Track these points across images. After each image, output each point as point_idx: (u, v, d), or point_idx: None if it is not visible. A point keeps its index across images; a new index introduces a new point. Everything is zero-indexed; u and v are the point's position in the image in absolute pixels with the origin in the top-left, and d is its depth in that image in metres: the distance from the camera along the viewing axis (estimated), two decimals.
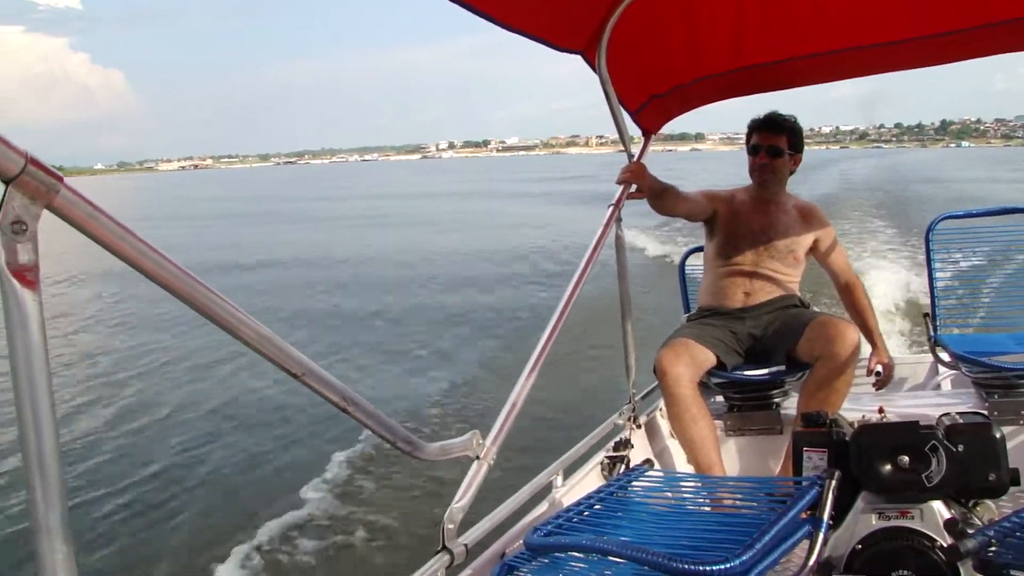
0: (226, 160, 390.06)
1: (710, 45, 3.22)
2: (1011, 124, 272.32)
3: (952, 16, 2.90)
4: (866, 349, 3.47)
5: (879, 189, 33.88)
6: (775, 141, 3.41)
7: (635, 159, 3.25)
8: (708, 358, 3.15)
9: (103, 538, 5.48)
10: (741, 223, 3.47)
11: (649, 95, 3.42)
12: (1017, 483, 1.95)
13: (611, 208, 3.00)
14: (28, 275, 0.84)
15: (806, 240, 3.49)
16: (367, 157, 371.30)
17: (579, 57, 2.94)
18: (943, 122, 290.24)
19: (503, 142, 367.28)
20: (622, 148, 3.31)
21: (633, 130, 3.40)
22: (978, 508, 2.00)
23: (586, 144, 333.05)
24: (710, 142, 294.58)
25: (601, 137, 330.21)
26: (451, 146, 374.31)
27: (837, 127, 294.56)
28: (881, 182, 38.75)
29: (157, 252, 1.00)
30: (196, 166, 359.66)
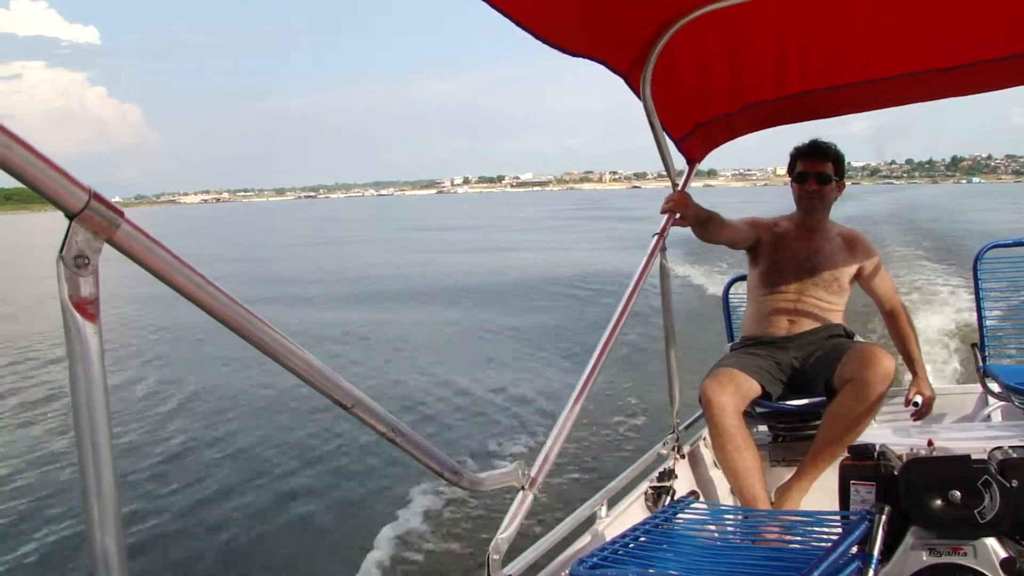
0: (242, 193, 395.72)
1: (755, 73, 3.22)
2: (1022, 160, 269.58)
3: (994, 45, 2.91)
4: (907, 378, 3.44)
5: (909, 220, 33.53)
6: (822, 168, 3.40)
7: (679, 188, 3.27)
8: (753, 387, 3.13)
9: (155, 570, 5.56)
10: (785, 251, 3.45)
11: (695, 123, 3.41)
12: None
13: (656, 237, 3.00)
14: (89, 308, 0.85)
15: (851, 268, 3.46)
16: (383, 192, 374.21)
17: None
18: (954, 158, 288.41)
19: (517, 177, 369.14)
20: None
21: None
22: None
23: (600, 180, 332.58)
24: (722, 178, 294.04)
25: (615, 173, 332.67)
26: (466, 181, 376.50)
27: (849, 163, 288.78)
28: (915, 215, 38.25)
29: (212, 284, 1.02)
30: (218, 199, 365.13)
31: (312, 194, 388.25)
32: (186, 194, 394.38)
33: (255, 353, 1.13)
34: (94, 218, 0.86)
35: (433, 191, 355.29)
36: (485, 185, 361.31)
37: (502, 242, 36.28)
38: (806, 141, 3.46)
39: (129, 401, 9.56)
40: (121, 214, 0.89)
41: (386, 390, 9.52)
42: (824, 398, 3.20)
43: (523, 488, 1.92)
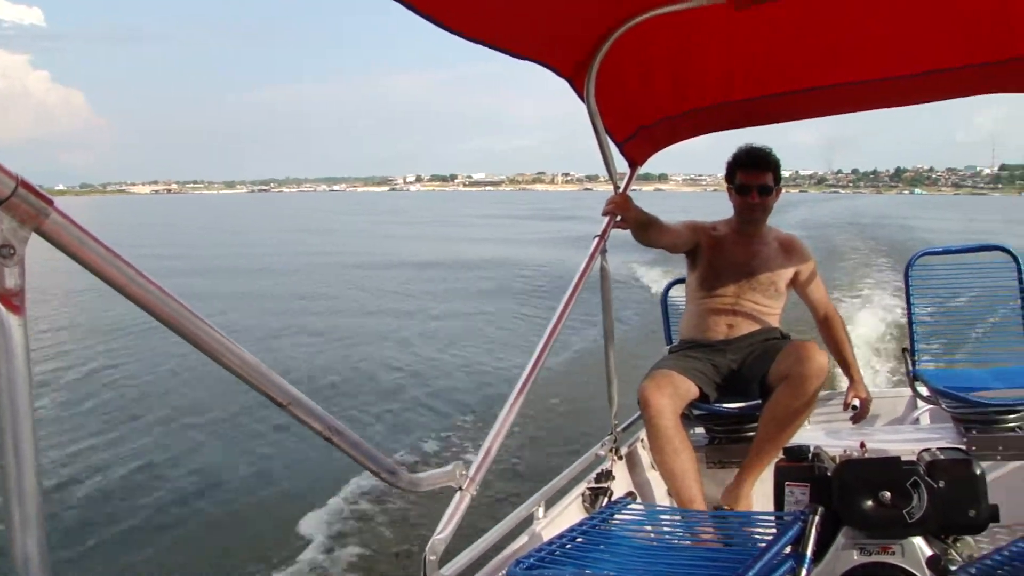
0: (191, 185, 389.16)
1: (700, 78, 3.24)
2: (961, 174, 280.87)
3: (935, 56, 3.01)
4: (843, 383, 3.50)
5: (853, 225, 34.39)
6: (763, 179, 3.43)
7: (620, 191, 3.27)
8: (691, 390, 3.15)
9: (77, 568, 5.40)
10: (724, 255, 3.48)
11: (637, 126, 3.42)
12: (996, 519, 1.96)
13: (597, 239, 3.00)
14: (14, 300, 0.82)
15: (787, 272, 3.51)
16: (335, 188, 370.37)
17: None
18: (898, 169, 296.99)
19: (470, 176, 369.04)
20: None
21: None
22: (958, 544, 2.00)
23: (552, 181, 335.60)
24: (673, 183, 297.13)
25: (567, 174, 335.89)
26: (418, 179, 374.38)
27: (796, 171, 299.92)
28: (854, 224, 39.29)
29: (145, 277, 0.99)
30: (169, 190, 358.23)
31: (265, 188, 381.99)
32: (134, 184, 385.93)
33: (189, 348, 1.10)
34: (21, 206, 0.82)
35: (385, 188, 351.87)
36: (438, 183, 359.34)
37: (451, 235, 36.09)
38: (743, 146, 3.48)
39: (55, 398, 9.28)
40: (50, 202, 0.85)
41: (323, 389, 9.40)
42: (759, 399, 3.25)
43: (461, 488, 1.90)
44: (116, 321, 13.25)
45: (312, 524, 5.78)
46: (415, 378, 10.15)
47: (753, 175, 3.43)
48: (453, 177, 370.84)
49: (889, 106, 3.52)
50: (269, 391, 1.21)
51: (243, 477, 6.94)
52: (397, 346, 12.26)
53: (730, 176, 3.51)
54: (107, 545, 5.70)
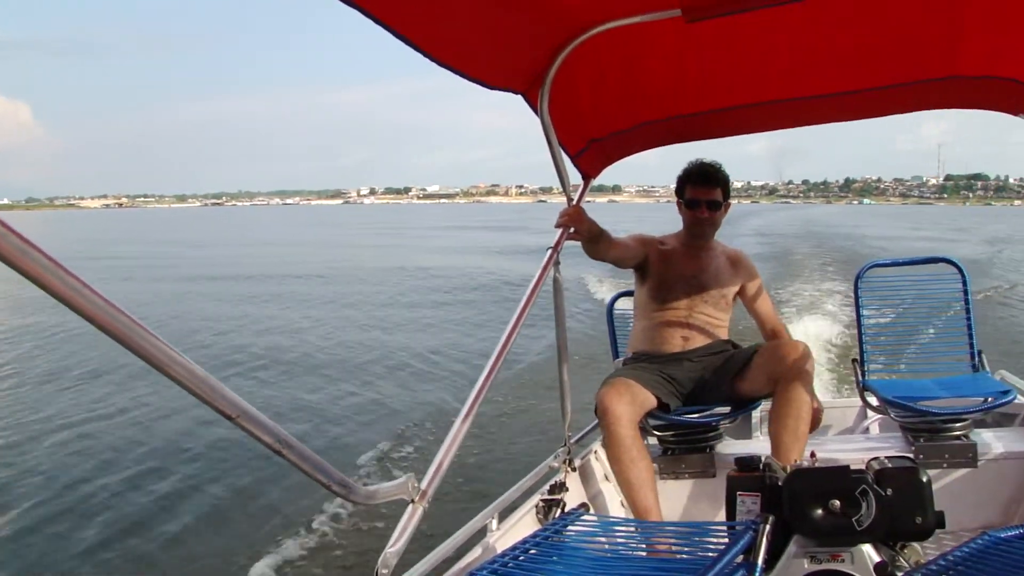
0: (142, 199, 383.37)
1: (651, 92, 3.28)
2: (908, 184, 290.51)
3: (881, 73, 3.12)
4: None
5: (806, 238, 34.93)
6: (712, 195, 3.48)
7: (574, 203, 3.28)
8: (648, 399, 3.17)
9: None
10: (673, 269, 3.52)
11: (589, 139, 3.45)
12: (942, 525, 1.99)
13: (550, 251, 3.00)
14: None
15: (735, 286, 3.59)
16: (288, 201, 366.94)
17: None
18: (847, 180, 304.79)
19: (424, 189, 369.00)
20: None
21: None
22: (906, 551, 2.03)
23: (506, 193, 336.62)
24: (627, 194, 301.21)
25: (521, 187, 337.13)
26: (372, 192, 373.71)
27: (748, 182, 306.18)
28: (807, 233, 39.92)
29: (89, 288, 0.97)
30: (120, 204, 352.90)
31: (218, 201, 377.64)
32: (82, 198, 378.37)
33: (133, 359, 1.08)
34: None
35: (339, 201, 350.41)
36: (392, 196, 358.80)
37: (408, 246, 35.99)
38: (694, 161, 3.53)
39: None
40: None
41: (273, 401, 9.27)
42: (728, 407, 3.33)
43: (413, 501, 1.88)
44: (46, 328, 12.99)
45: (260, 539, 5.68)
46: (367, 388, 10.06)
47: (702, 190, 3.48)
48: (407, 190, 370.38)
49: (837, 121, 3.60)
50: (217, 403, 1.19)
51: (183, 491, 6.78)
52: (347, 356, 12.16)
53: (680, 191, 3.56)
54: (42, 562, 5.54)
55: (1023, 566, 1.57)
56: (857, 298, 3.99)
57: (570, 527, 2.20)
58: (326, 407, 9.18)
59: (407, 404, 9.21)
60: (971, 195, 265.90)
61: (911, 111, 3.51)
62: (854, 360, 3.91)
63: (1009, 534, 1.68)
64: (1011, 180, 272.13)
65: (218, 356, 11.88)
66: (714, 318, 3.51)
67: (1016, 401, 3.41)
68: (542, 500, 2.86)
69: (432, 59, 2.21)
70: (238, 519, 6.07)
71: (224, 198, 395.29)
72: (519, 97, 2.90)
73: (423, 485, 1.92)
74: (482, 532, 2.48)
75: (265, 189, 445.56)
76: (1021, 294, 16.90)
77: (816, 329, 11.01)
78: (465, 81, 2.48)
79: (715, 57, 3.04)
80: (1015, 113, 3.18)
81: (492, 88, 2.68)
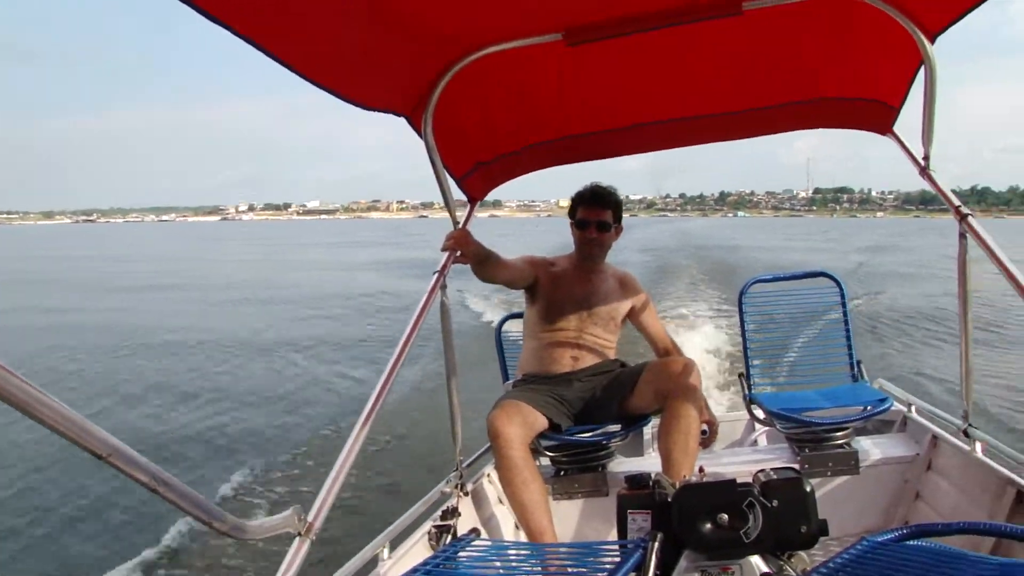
0: (4, 216, 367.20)
1: (536, 115, 3.31)
2: (780, 197, 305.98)
3: (754, 96, 3.25)
4: None
5: (688, 251, 35.84)
6: (602, 216, 3.53)
7: (460, 225, 3.25)
8: (539, 420, 3.17)
9: None
10: (564, 290, 3.54)
11: (475, 162, 3.44)
12: (826, 533, 2.03)
13: (436, 275, 2.96)
14: None
15: (624, 306, 3.63)
16: (164, 218, 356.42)
17: (384, 120, 2.91)
18: (722, 193, 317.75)
19: (304, 205, 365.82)
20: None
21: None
22: (792, 560, 2.06)
23: (387, 209, 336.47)
24: (507, 209, 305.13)
25: (402, 202, 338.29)
26: (251, 208, 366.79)
27: (627, 196, 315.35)
28: (686, 246, 40.88)
29: None
30: None
31: (89, 218, 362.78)
32: None
33: None
34: None
35: (217, 218, 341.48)
36: (271, 212, 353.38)
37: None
38: (588, 184, 3.58)
39: None
40: None
41: (143, 435, 8.75)
42: (619, 425, 3.36)
43: (300, 534, 1.83)
44: None
45: None
46: (245, 418, 9.62)
47: (593, 211, 3.53)
48: (287, 206, 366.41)
49: (716, 140, 3.71)
50: (87, 443, 1.12)
51: (50, 534, 6.37)
52: (224, 384, 11.61)
53: (572, 211, 3.61)
54: None
55: (899, 567, 1.60)
56: (742, 313, 4.08)
57: (462, 552, 2.16)
58: (202, 440, 8.73)
59: (290, 433, 8.84)
60: (838, 207, 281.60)
61: (786, 131, 3.65)
62: (740, 374, 3.99)
63: (886, 537, 1.72)
64: (873, 193, 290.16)
65: (79, 388, 11.21)
66: (603, 339, 3.55)
67: (893, 408, 3.54)
68: (434, 526, 2.81)
69: (308, 80, 2.15)
70: (112, 563, 5.71)
71: (96, 215, 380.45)
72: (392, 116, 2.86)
73: (310, 517, 1.87)
74: (373, 562, 2.44)
75: (139, 205, 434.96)
76: (887, 303, 17.61)
77: (705, 344, 11.26)
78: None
79: (597, 80, 3.09)
80: (882, 133, 3.32)
81: (371, 110, 2.63)
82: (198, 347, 14.48)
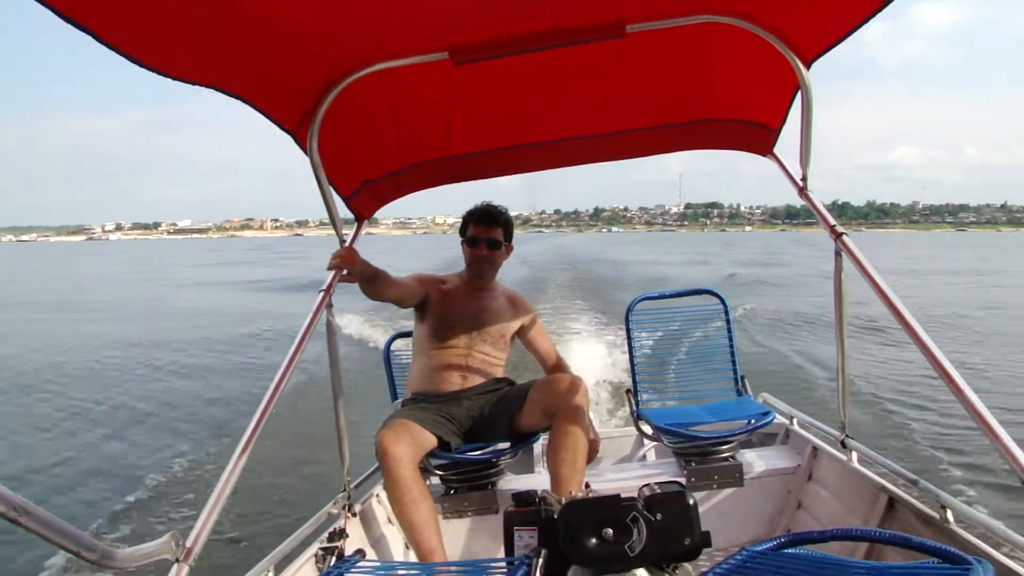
0: None
1: (422, 134, 3.32)
2: (652, 212, 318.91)
3: (638, 117, 3.35)
4: None
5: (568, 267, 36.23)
6: (493, 234, 3.56)
7: (348, 244, 3.20)
8: (428, 439, 3.15)
9: None
10: (454, 308, 3.55)
11: (363, 180, 3.42)
12: (709, 544, 2.08)
13: (322, 293, 2.92)
14: None
15: (514, 324, 3.67)
16: (24, 238, 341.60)
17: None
18: (596, 209, 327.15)
19: (175, 224, 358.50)
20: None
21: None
22: (677, 572, 2.10)
23: (261, 227, 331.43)
24: (384, 226, 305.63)
25: (276, 220, 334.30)
26: (118, 227, 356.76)
27: None
28: (563, 261, 41.24)
29: None
30: None
31: None
32: None
33: None
34: None
35: (82, 237, 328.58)
36: (140, 232, 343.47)
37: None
38: (479, 203, 3.61)
39: None
40: None
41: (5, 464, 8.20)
42: (508, 443, 3.36)
43: (178, 560, 1.78)
44: None
45: None
46: (111, 441, 9.09)
47: (484, 229, 3.56)
48: (157, 225, 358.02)
49: (599, 161, 3.79)
50: None
51: None
52: (88, 406, 10.91)
53: (463, 229, 3.63)
54: None
55: (776, 575, 1.66)
56: (628, 331, 4.15)
57: (347, 574, 2.11)
58: (66, 465, 8.18)
59: (165, 456, 8.37)
60: (708, 222, 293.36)
61: (670, 151, 3.74)
62: (627, 391, 4.05)
63: (765, 547, 1.77)
64: (742, 208, 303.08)
65: None
66: (492, 357, 3.57)
67: (776, 421, 3.66)
68: (320, 548, 2.74)
69: (199, 84, 2.10)
70: None
71: None
72: (269, 125, 2.79)
73: (188, 543, 1.83)
74: None
75: None
76: (764, 316, 17.99)
77: (593, 361, 11.37)
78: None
79: (484, 100, 3.12)
80: (763, 154, 3.45)
81: (264, 114, 2.57)
82: (59, 368, 13.64)
